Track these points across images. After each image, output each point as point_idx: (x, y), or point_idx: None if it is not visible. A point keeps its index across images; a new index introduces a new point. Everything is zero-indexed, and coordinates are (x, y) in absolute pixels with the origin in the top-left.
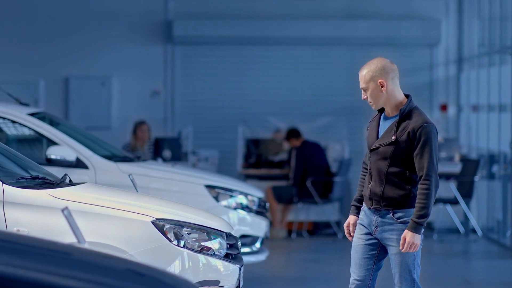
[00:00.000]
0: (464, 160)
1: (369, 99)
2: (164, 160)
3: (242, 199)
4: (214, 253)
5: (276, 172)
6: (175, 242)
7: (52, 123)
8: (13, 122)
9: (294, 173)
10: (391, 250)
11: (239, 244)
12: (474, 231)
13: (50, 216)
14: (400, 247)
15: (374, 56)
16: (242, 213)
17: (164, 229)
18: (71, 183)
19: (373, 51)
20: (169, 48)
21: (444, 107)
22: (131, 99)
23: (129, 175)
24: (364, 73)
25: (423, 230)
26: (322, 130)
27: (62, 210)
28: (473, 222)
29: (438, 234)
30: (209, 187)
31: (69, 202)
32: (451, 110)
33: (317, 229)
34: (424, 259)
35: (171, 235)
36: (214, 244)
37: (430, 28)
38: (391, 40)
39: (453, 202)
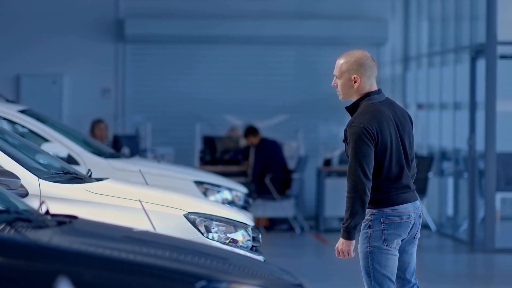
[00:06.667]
0: (417, 157)
1: (338, 88)
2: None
3: (227, 195)
4: (240, 245)
5: (233, 169)
6: (206, 234)
7: (40, 119)
8: (4, 119)
9: (253, 170)
10: None
11: (260, 236)
12: (425, 226)
13: (87, 210)
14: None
15: (322, 55)
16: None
17: (196, 222)
18: (97, 178)
19: (321, 50)
20: (120, 47)
21: None
22: (82, 97)
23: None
24: (342, 62)
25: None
26: (277, 128)
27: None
28: (427, 218)
29: None
30: (198, 183)
31: (106, 196)
32: None
33: (273, 225)
34: None
35: (202, 228)
36: (240, 236)
37: (377, 28)
38: (339, 40)
39: None
